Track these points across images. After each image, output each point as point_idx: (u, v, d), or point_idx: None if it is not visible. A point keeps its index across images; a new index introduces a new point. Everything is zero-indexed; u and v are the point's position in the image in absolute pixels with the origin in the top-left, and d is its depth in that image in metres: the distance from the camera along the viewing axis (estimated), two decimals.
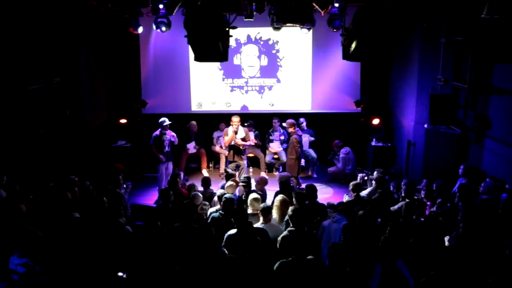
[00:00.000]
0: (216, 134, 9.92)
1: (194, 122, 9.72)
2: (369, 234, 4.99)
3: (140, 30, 8.49)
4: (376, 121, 9.45)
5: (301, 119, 9.75)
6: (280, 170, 9.53)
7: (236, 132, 8.36)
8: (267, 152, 9.73)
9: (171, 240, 4.98)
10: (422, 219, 5.33)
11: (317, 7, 7.19)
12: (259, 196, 5.87)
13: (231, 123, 8.39)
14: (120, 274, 4.19)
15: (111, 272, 4.25)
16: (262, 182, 6.78)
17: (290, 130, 8.61)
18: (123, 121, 9.60)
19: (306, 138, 9.55)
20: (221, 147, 9.75)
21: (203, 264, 4.47)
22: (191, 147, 9.60)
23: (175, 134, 8.51)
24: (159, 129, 8.35)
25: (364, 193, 6.66)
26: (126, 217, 6.09)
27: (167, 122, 8.35)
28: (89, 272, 4.22)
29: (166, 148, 8.40)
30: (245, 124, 9.34)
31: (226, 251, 4.74)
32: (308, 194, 5.97)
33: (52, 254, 4.49)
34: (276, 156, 9.74)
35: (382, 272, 4.19)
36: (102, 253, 4.45)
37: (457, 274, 4.11)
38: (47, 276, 4.02)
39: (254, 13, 7.69)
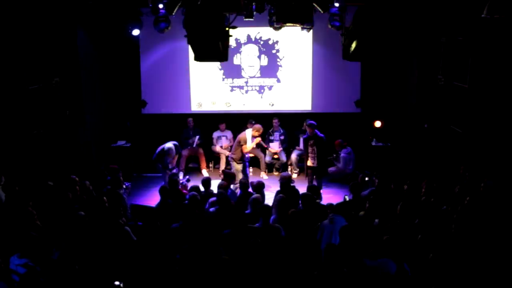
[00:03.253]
0: (216, 134, 9.92)
1: (190, 118, 9.77)
2: (368, 235, 4.99)
3: (136, 32, 8.41)
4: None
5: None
6: (280, 170, 9.53)
7: (258, 144, 8.42)
8: (267, 152, 9.72)
9: (170, 241, 4.97)
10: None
11: (317, 7, 7.17)
12: (259, 198, 5.88)
13: (254, 131, 8.25)
14: (117, 283, 4.15)
15: (109, 278, 4.23)
16: (259, 186, 6.78)
17: (309, 131, 8.27)
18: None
19: None
20: (221, 147, 9.76)
21: (201, 265, 4.46)
22: (194, 141, 9.61)
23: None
24: (166, 150, 8.36)
25: (364, 193, 6.65)
26: (126, 218, 6.10)
27: (174, 152, 8.44)
28: (87, 275, 4.21)
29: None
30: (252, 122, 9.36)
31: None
32: (312, 196, 5.99)
33: (51, 255, 4.48)
34: (276, 156, 9.74)
35: (397, 271, 4.17)
36: (101, 254, 4.44)
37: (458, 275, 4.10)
38: (46, 277, 4.01)
39: (254, 12, 7.68)
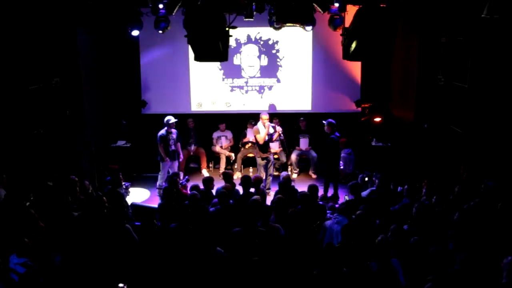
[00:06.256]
0: (215, 134, 9.92)
1: (190, 119, 9.75)
2: (368, 234, 4.99)
3: (135, 33, 8.44)
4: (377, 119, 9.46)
5: (301, 119, 9.74)
6: (280, 170, 9.53)
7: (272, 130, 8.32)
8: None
9: (168, 240, 4.97)
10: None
11: (317, 7, 7.19)
12: (258, 199, 5.88)
13: (262, 120, 8.22)
14: (120, 285, 4.15)
15: (113, 280, 4.22)
16: (257, 181, 6.78)
17: (326, 129, 8.21)
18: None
19: (306, 139, 9.55)
20: (221, 147, 9.75)
21: (200, 265, 4.46)
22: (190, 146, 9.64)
23: (177, 131, 8.58)
24: (165, 128, 8.36)
25: (364, 193, 6.66)
26: (126, 217, 6.08)
27: (173, 120, 8.37)
28: (90, 276, 4.20)
29: (172, 147, 8.43)
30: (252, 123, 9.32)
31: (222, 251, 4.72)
32: (310, 195, 5.97)
33: (51, 257, 4.48)
34: (276, 156, 9.73)
35: (377, 271, 4.19)
36: (103, 256, 4.43)
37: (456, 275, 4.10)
38: (46, 277, 4.01)
39: (254, 13, 7.69)
